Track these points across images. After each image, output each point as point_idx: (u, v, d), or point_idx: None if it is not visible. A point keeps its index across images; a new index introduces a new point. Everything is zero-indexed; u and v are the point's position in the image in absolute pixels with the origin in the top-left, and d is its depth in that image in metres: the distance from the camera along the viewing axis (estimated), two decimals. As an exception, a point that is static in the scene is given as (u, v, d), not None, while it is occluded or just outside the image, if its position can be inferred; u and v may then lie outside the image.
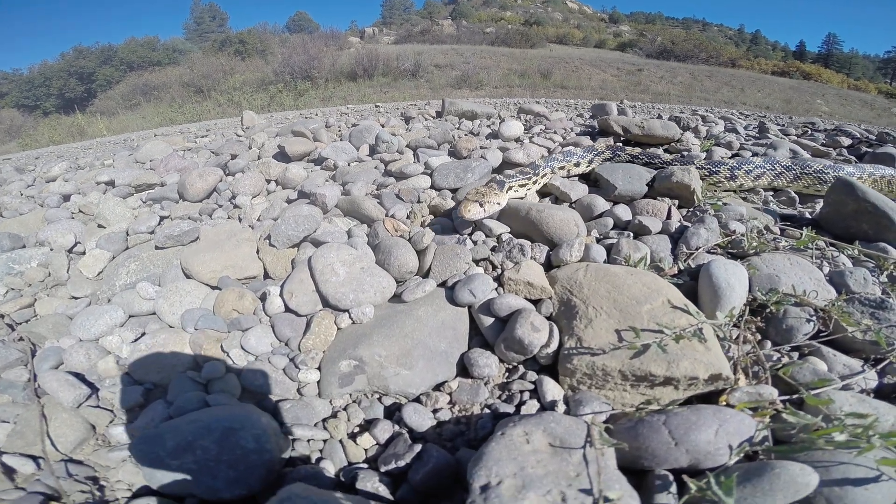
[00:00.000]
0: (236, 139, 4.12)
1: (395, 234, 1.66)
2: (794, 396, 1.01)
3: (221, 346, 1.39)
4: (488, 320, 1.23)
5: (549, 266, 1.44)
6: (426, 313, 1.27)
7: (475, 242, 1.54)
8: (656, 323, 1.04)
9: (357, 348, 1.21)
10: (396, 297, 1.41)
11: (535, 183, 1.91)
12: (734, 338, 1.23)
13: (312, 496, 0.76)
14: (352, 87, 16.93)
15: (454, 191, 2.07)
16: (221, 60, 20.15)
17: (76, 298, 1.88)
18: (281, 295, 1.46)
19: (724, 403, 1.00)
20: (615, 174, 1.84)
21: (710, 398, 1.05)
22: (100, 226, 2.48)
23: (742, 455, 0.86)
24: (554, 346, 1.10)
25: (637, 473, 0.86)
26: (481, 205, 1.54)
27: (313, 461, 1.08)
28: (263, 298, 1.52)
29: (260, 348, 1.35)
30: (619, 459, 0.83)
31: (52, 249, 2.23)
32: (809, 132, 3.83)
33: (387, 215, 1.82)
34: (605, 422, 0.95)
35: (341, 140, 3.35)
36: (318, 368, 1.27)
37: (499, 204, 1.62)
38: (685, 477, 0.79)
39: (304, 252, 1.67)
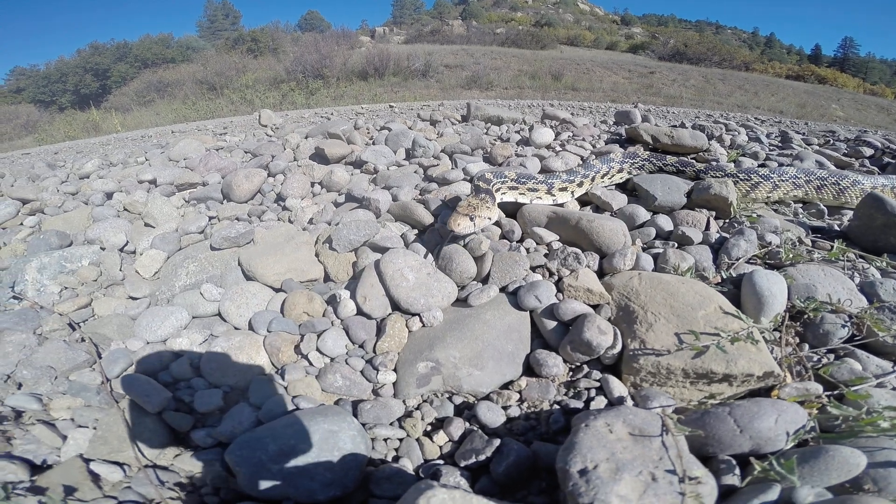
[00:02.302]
0: (267, 139, 4.21)
1: (449, 239, 1.77)
2: (836, 392, 1.13)
3: (300, 349, 1.44)
4: (551, 324, 1.34)
5: (599, 273, 1.55)
6: (493, 317, 1.36)
7: (528, 250, 1.65)
8: (713, 327, 1.16)
9: (433, 350, 1.30)
10: (458, 301, 1.51)
11: (522, 195, 1.87)
12: (776, 340, 1.34)
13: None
14: (363, 87, 17.06)
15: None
16: (234, 58, 20.38)
17: (135, 299, 1.91)
18: (353, 298, 1.53)
19: (776, 397, 1.11)
20: (654, 185, 1.94)
21: (758, 394, 1.17)
22: (147, 224, 2.52)
23: (797, 441, 0.98)
24: (618, 347, 1.21)
25: (701, 459, 0.98)
26: (471, 219, 1.51)
27: (389, 459, 1.13)
28: (332, 302, 1.58)
29: (336, 351, 1.40)
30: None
31: (103, 248, 2.26)
32: (831, 142, 3.89)
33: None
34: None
35: (373, 143, 3.45)
36: (394, 370, 1.33)
37: (489, 219, 1.59)
38: (752, 459, 0.91)
39: (366, 256, 1.76)
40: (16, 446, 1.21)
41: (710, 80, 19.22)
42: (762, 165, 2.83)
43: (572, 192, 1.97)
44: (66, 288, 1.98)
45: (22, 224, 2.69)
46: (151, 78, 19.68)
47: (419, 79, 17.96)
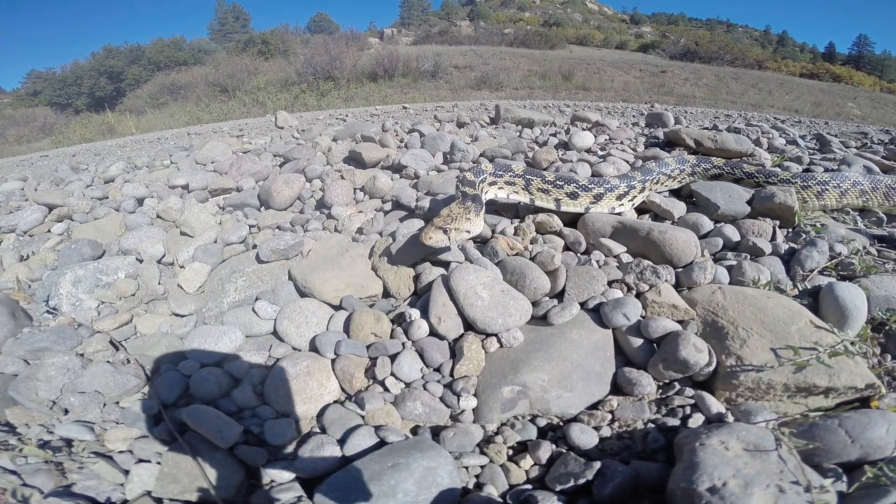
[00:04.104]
0: (296, 142, 4.20)
1: (511, 252, 1.73)
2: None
3: (373, 374, 1.36)
4: (637, 341, 1.31)
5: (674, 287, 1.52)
6: (579, 336, 1.33)
7: (598, 263, 1.62)
8: (810, 342, 1.15)
9: (518, 374, 1.25)
10: (533, 319, 1.45)
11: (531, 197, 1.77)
12: (864, 353, 1.32)
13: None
14: (373, 88, 17.12)
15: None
16: (245, 60, 20.54)
17: (181, 316, 1.81)
18: (424, 318, 1.45)
19: (875, 408, 1.10)
20: (714, 192, 1.92)
21: (851, 405, 1.16)
22: (183, 233, 2.43)
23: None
24: (713, 364, 1.20)
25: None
26: (446, 232, 1.39)
27: (471, 487, 1.10)
28: (400, 321, 1.50)
29: (412, 375, 1.32)
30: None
31: (140, 260, 2.17)
32: (868, 144, 3.83)
33: (494, 232, 1.87)
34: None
35: (405, 146, 3.42)
36: (475, 394, 1.28)
37: (468, 231, 1.45)
38: (866, 467, 0.94)
39: (428, 271, 1.67)
40: (74, 481, 1.15)
41: (723, 78, 19.03)
42: (806, 170, 2.79)
43: (612, 209, 1.87)
44: (103, 303, 1.88)
45: (49, 231, 2.60)
46: (164, 80, 19.88)
47: (429, 80, 17.99)
